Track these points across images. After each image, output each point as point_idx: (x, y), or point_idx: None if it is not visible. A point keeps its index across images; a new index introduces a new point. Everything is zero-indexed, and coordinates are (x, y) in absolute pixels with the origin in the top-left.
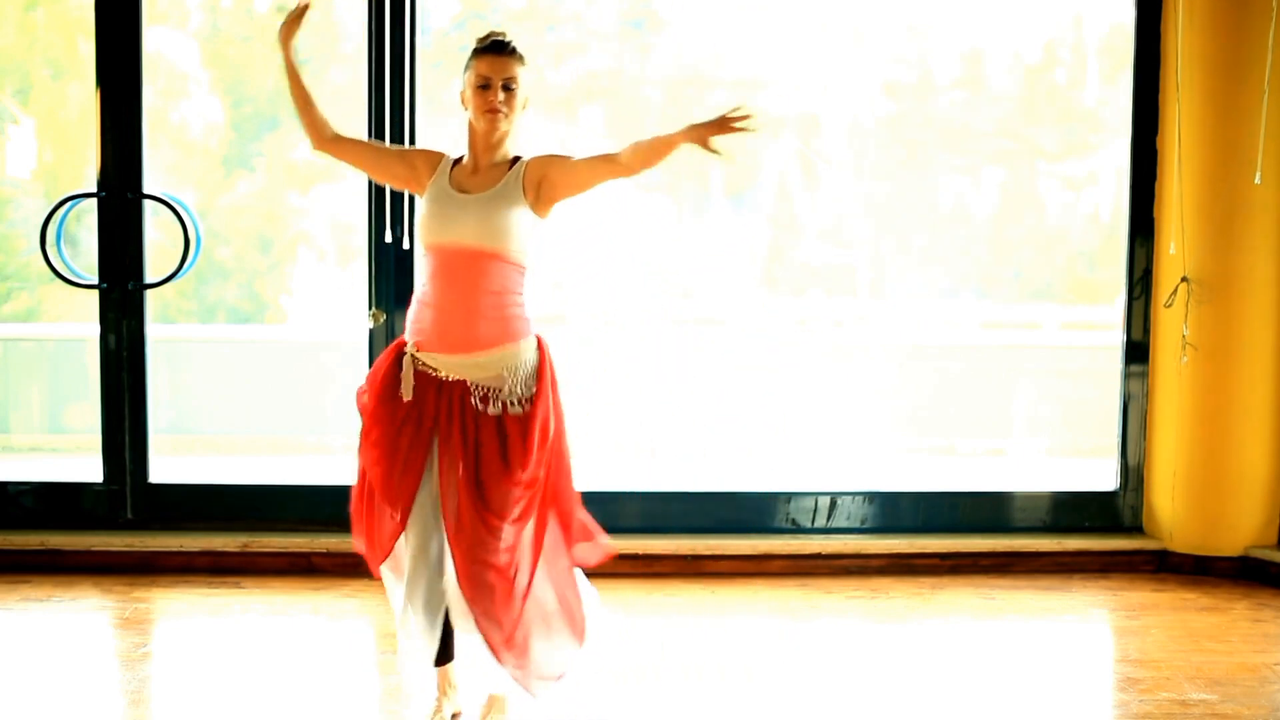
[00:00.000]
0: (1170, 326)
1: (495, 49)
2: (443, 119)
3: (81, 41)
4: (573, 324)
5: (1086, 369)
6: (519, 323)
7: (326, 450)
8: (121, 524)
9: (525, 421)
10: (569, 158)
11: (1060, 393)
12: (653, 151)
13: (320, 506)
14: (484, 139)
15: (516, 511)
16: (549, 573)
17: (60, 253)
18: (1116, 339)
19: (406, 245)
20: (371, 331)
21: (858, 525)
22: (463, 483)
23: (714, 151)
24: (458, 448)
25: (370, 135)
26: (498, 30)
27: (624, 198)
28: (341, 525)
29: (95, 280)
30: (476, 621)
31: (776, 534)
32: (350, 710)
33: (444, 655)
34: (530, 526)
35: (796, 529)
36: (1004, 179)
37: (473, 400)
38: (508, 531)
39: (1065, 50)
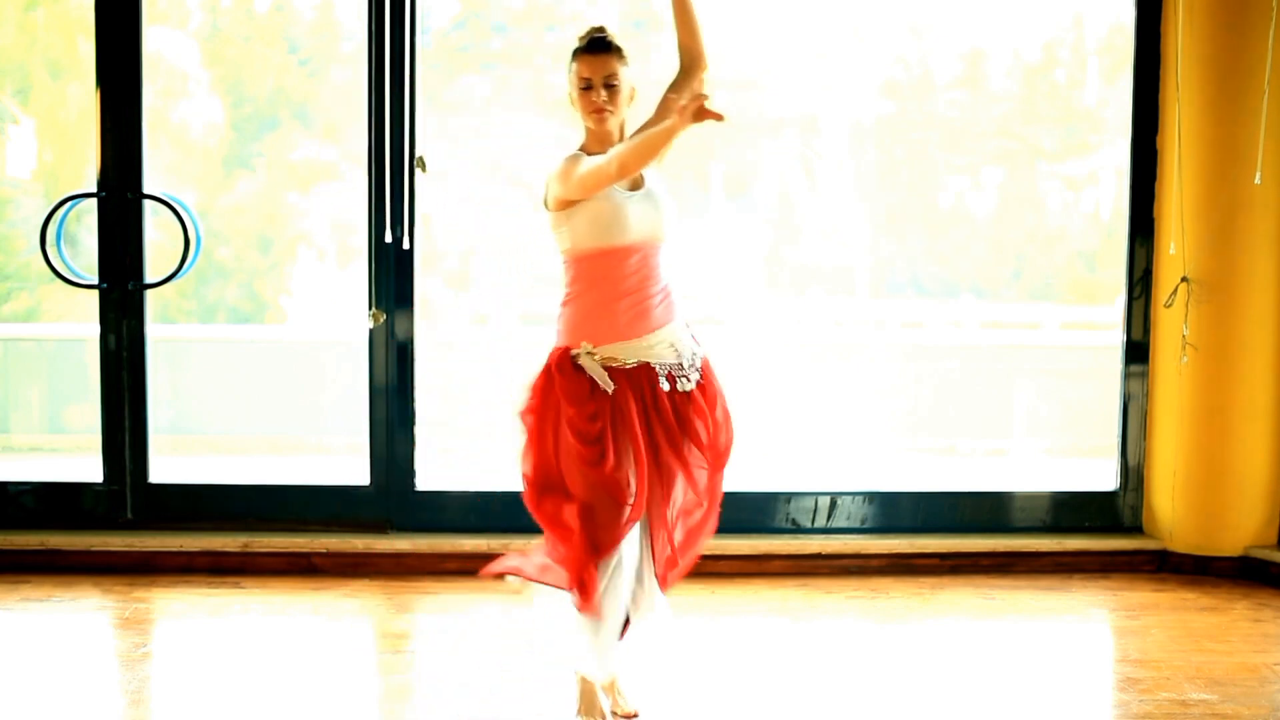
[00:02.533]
0: (1170, 326)
1: (593, 48)
2: (443, 119)
3: (81, 41)
4: None
5: (1086, 369)
6: (678, 304)
7: (326, 450)
8: (121, 524)
9: (703, 391)
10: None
11: (1060, 393)
12: (639, 152)
13: (320, 506)
14: (603, 136)
15: (704, 476)
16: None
17: (60, 253)
18: (1116, 339)
19: (406, 245)
20: (371, 331)
21: (858, 525)
22: (664, 454)
23: (715, 116)
24: (657, 427)
25: (370, 135)
26: (595, 27)
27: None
28: (341, 525)
29: (95, 280)
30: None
31: (776, 534)
32: (350, 710)
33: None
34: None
35: (796, 529)
36: (1004, 179)
37: (660, 381)
38: (702, 483)
39: (1065, 50)
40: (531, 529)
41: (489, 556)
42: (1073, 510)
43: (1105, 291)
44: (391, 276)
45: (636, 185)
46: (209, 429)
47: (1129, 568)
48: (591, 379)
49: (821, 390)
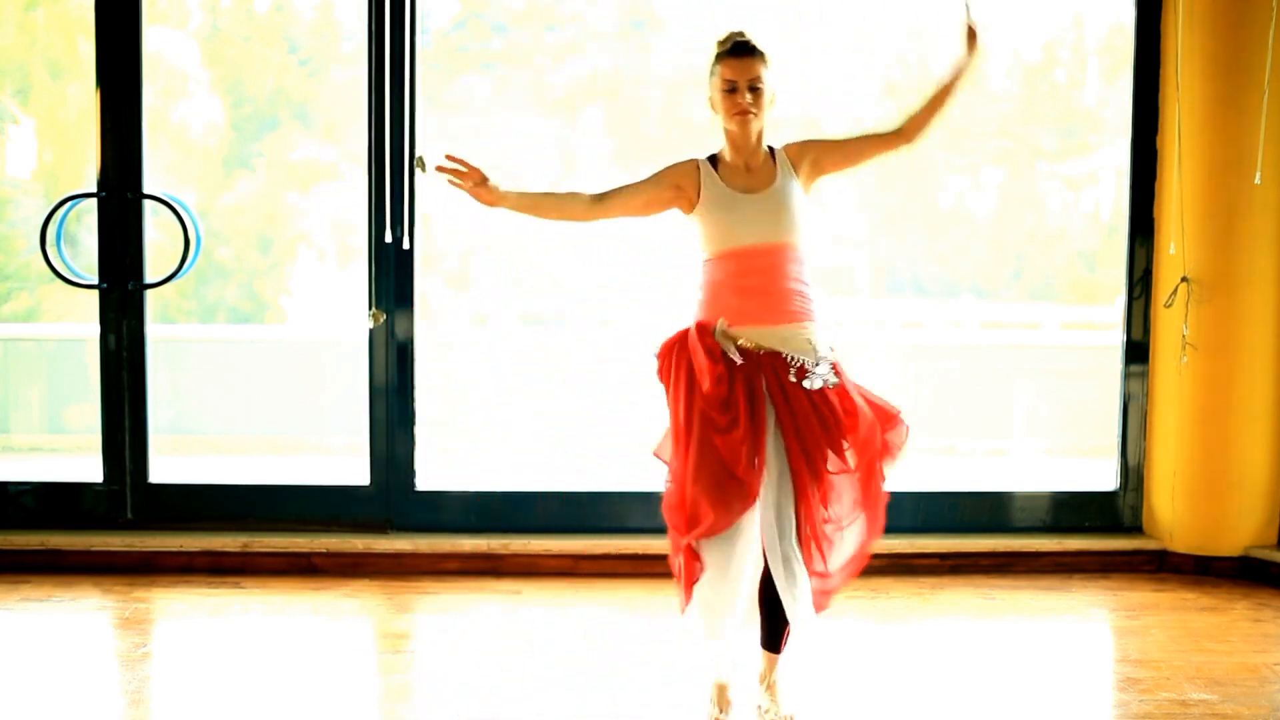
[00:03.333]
0: (1170, 326)
1: (737, 51)
2: (443, 119)
3: (81, 41)
4: (573, 324)
5: (1086, 369)
6: (814, 303)
7: (326, 450)
8: (121, 524)
9: (837, 394)
10: (829, 139)
11: (1060, 393)
12: (932, 105)
13: (320, 506)
14: (742, 139)
15: (837, 468)
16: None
17: (60, 253)
18: (1116, 339)
19: (406, 245)
20: (371, 331)
21: None
22: (805, 435)
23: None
24: (785, 415)
25: (370, 135)
26: (737, 31)
27: None
28: (341, 525)
29: (95, 280)
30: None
31: None
32: (350, 710)
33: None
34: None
35: None
36: (1004, 179)
37: (790, 373)
38: (846, 489)
39: (1065, 50)
40: (530, 529)
41: (489, 556)
42: (1073, 510)
43: (1105, 291)
44: (391, 276)
45: (753, 188)
46: (209, 429)
47: (1129, 568)
48: (722, 349)
49: None
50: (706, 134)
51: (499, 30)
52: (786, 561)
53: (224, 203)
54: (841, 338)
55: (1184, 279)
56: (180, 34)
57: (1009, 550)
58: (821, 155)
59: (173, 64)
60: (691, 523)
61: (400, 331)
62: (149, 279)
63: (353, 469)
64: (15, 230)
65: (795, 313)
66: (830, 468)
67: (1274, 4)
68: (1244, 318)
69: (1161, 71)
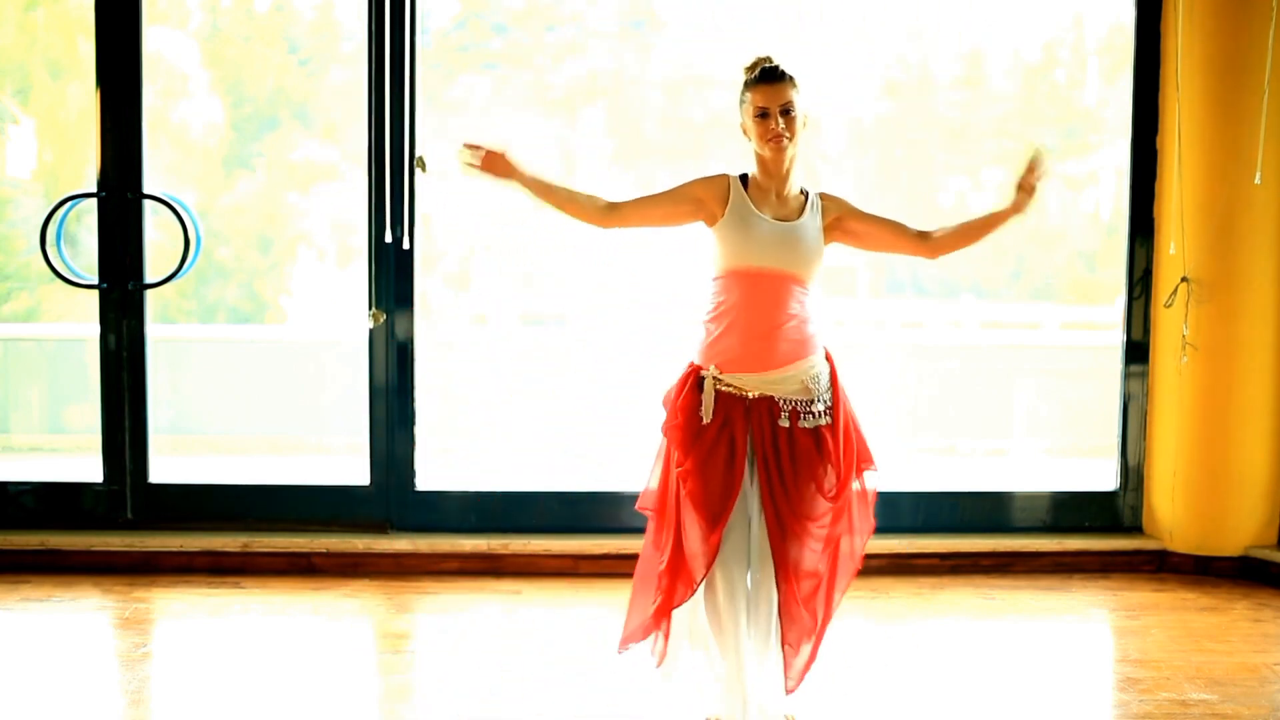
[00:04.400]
0: (1170, 326)
1: (766, 77)
2: (443, 119)
3: (81, 41)
4: (573, 324)
5: (1086, 369)
6: (813, 337)
7: (326, 450)
8: (121, 524)
9: (830, 431)
10: (864, 210)
11: (1060, 393)
12: (968, 232)
13: (320, 506)
14: (775, 166)
15: (827, 519)
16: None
17: (60, 253)
18: (1116, 339)
19: (406, 245)
20: (371, 331)
21: None
22: (779, 493)
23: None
24: (772, 463)
25: (370, 135)
26: (763, 57)
27: (624, 198)
28: (341, 525)
29: (95, 280)
30: (785, 629)
31: None
32: (350, 710)
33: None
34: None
35: None
36: (1004, 179)
37: (782, 417)
38: (820, 534)
39: (1065, 50)
40: (530, 529)
41: (488, 556)
42: (1073, 510)
43: (1105, 291)
44: (391, 276)
45: (779, 216)
46: (209, 429)
47: (1129, 568)
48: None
49: None
50: (707, 133)
51: (499, 30)
52: (762, 635)
53: (224, 203)
54: (841, 338)
55: (1184, 279)
56: (180, 34)
57: (1009, 550)
58: (850, 218)
59: (173, 64)
60: (670, 590)
61: (400, 331)
62: (149, 279)
63: (353, 469)
64: (15, 230)
65: (788, 353)
66: (815, 511)
67: (1274, 4)
68: (1244, 318)
69: (1161, 71)
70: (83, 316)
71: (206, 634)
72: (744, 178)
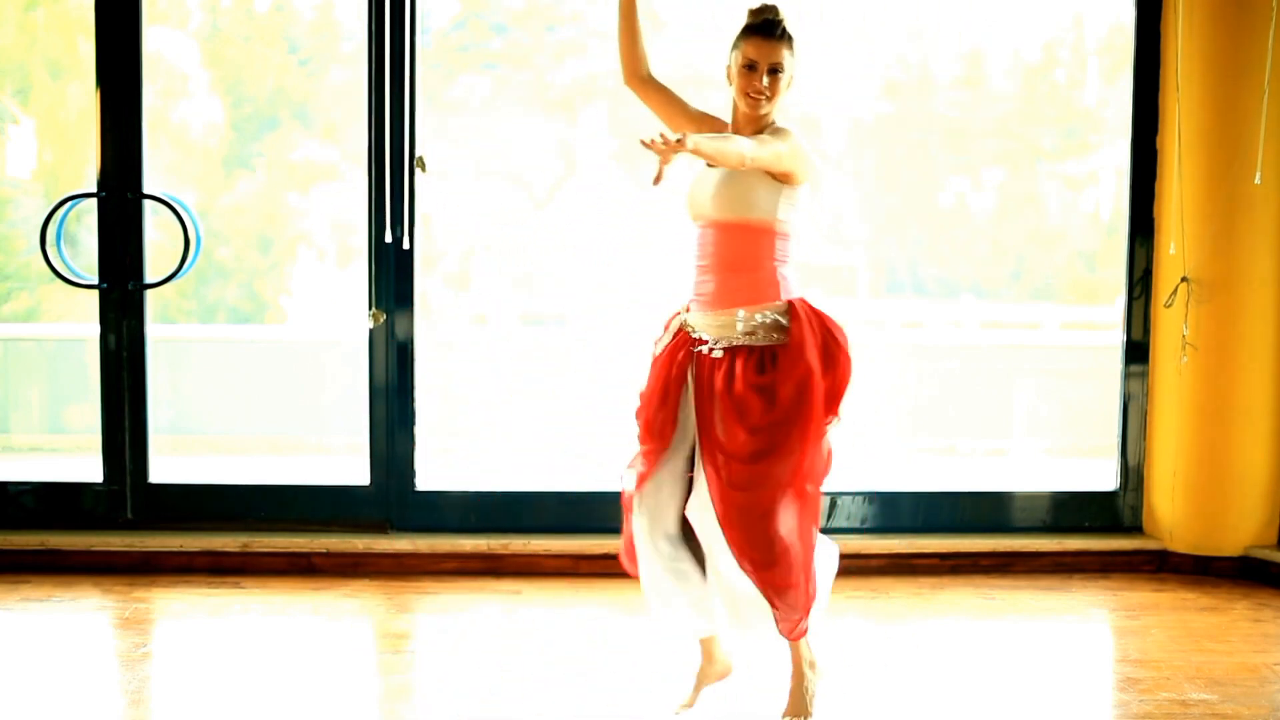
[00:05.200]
0: (1170, 326)
1: (765, 30)
2: (443, 119)
3: (81, 41)
4: (573, 324)
5: (1086, 369)
6: (769, 287)
7: (326, 450)
8: (121, 524)
9: (772, 383)
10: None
11: (1060, 393)
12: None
13: (320, 506)
14: (746, 120)
15: (766, 461)
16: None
17: (60, 253)
18: (1116, 339)
19: (406, 245)
20: (371, 331)
21: (858, 525)
22: (713, 434)
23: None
24: (709, 403)
25: (370, 135)
26: (769, 8)
27: (624, 198)
28: (341, 525)
29: (95, 280)
30: (747, 570)
31: None
32: (350, 710)
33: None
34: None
35: None
36: (1004, 179)
37: (724, 357)
38: (761, 483)
39: (1065, 50)
40: (529, 529)
41: (489, 556)
42: (1073, 510)
43: (1105, 291)
44: (391, 276)
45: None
46: (209, 429)
47: (1129, 568)
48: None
49: None
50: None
51: (499, 30)
52: (727, 586)
53: (224, 203)
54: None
55: (1184, 279)
56: (180, 34)
57: (1009, 550)
58: None
59: (173, 64)
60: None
61: (400, 331)
62: (149, 279)
63: (353, 469)
64: (15, 230)
65: (736, 297)
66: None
67: (1274, 4)
68: (1244, 318)
69: (1161, 71)
70: (83, 316)
71: (206, 634)
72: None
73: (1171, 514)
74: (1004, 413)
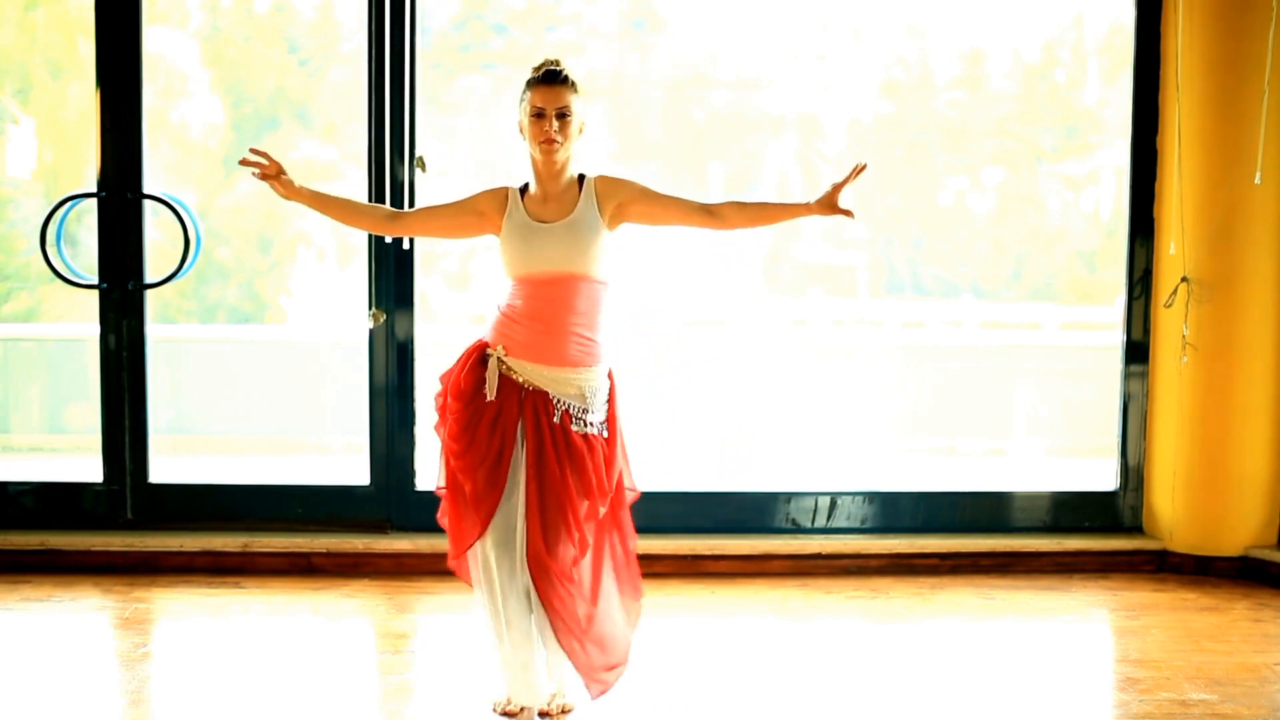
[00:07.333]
0: (1170, 326)
1: (548, 79)
2: (443, 119)
3: (81, 41)
4: None
5: (1086, 369)
6: (599, 348)
7: (326, 450)
8: (121, 524)
9: (600, 443)
10: (649, 189)
11: (1060, 393)
12: (763, 214)
13: (320, 506)
14: (545, 168)
15: (584, 512)
16: (609, 586)
17: (60, 253)
18: (1116, 339)
19: (406, 245)
20: (371, 331)
21: (858, 525)
22: (545, 480)
23: (846, 213)
24: (535, 455)
25: (370, 135)
26: (551, 59)
27: None
28: (341, 525)
29: (95, 280)
30: (550, 613)
31: (776, 534)
32: (350, 710)
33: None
34: (597, 536)
35: (796, 529)
36: (1004, 179)
37: (554, 415)
38: (577, 537)
39: (1065, 50)
40: None
41: None
42: (1073, 510)
43: (1105, 291)
44: (391, 276)
45: (547, 218)
46: (209, 429)
47: (1129, 568)
48: (486, 379)
49: (822, 390)
50: (707, 133)
51: (499, 30)
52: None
53: (224, 203)
54: (840, 338)
55: (1184, 279)
56: (180, 34)
57: (1009, 550)
58: (631, 201)
59: (173, 64)
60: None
61: (400, 331)
62: (149, 279)
63: (353, 469)
64: (15, 230)
65: (574, 357)
66: (580, 512)
67: (1274, 4)
68: (1244, 318)
69: (1161, 71)
70: (83, 316)
71: (206, 634)
72: (525, 187)
73: (1171, 514)
74: (1004, 413)
